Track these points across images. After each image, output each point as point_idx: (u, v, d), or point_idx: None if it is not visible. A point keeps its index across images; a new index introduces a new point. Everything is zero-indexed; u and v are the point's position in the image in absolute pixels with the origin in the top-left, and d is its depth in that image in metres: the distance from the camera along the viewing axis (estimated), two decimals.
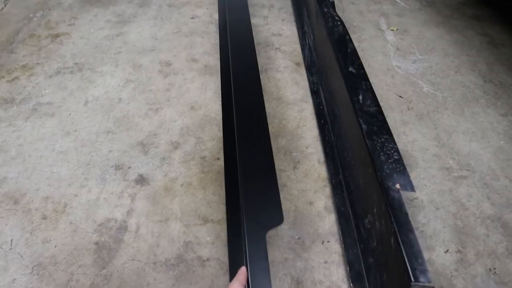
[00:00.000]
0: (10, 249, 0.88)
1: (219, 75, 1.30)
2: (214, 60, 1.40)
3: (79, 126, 1.16)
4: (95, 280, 0.82)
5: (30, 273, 0.84)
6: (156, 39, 1.52)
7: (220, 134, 1.11)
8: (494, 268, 0.84)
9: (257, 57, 1.15)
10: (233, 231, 0.83)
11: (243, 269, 0.65)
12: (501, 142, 1.11)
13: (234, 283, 0.61)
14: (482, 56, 1.43)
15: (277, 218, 0.73)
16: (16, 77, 1.34)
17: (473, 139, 1.11)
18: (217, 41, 1.46)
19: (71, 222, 0.92)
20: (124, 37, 1.53)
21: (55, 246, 0.88)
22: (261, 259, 0.67)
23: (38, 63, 1.41)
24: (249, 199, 0.76)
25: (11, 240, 0.90)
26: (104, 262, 0.85)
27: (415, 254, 0.60)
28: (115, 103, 1.23)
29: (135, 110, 1.21)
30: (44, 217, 0.94)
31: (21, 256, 0.87)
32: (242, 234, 0.72)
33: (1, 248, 0.88)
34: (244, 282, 0.63)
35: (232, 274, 0.77)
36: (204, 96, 1.25)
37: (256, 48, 1.19)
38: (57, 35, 1.54)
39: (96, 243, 0.88)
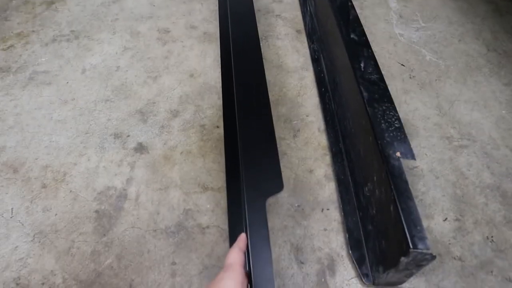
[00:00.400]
0: (11, 217, 0.88)
1: (218, 42, 1.28)
2: (213, 27, 1.37)
3: (77, 95, 1.14)
4: (96, 247, 0.83)
5: (32, 240, 0.85)
6: (154, 5, 1.49)
7: (220, 102, 1.10)
8: (492, 236, 0.85)
9: (257, 24, 1.12)
10: (233, 198, 0.84)
11: (242, 236, 0.66)
12: (503, 111, 1.10)
13: (234, 248, 0.61)
14: (487, 24, 1.40)
15: (277, 185, 0.73)
16: (12, 45, 1.32)
17: (475, 108, 1.11)
18: (216, 8, 1.43)
19: (71, 191, 0.93)
20: (121, 4, 1.50)
21: (56, 214, 0.89)
22: (261, 225, 0.67)
23: (33, 31, 1.38)
24: (249, 167, 0.75)
25: (12, 208, 0.90)
26: (104, 230, 0.86)
27: (414, 222, 0.61)
28: (113, 71, 1.22)
29: (133, 78, 1.19)
30: (44, 186, 0.94)
31: (22, 224, 0.87)
32: (242, 201, 0.72)
33: (2, 216, 0.89)
34: (244, 248, 0.63)
35: (232, 241, 0.77)
36: (204, 63, 1.23)
37: (256, 15, 1.16)
38: (52, 2, 1.51)
39: (96, 211, 0.89)
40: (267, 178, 0.74)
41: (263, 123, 0.83)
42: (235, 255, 0.59)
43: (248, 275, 0.62)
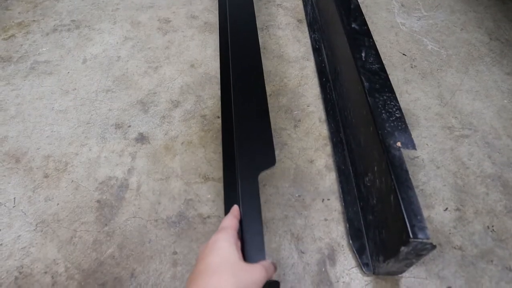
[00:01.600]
0: (14, 206, 0.89)
1: (219, 32, 1.28)
2: (214, 17, 1.37)
3: (78, 85, 1.14)
4: (98, 237, 0.84)
5: (34, 230, 0.85)
6: None
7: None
8: (492, 226, 0.85)
9: (258, 14, 1.12)
10: (229, 184, 0.85)
11: (235, 206, 0.66)
12: (505, 101, 1.09)
13: (228, 216, 0.62)
14: (490, 12, 1.39)
15: (269, 161, 0.74)
16: (13, 35, 1.32)
17: (476, 98, 1.10)
18: None
19: (72, 181, 0.93)
20: None
21: (58, 204, 0.89)
22: (253, 198, 0.68)
23: (34, 20, 1.38)
24: (242, 144, 0.76)
25: (14, 198, 0.90)
26: (106, 220, 0.86)
27: (414, 211, 0.61)
28: (114, 61, 1.21)
29: (134, 68, 1.19)
30: (46, 176, 0.94)
31: (25, 214, 0.88)
32: (236, 176, 0.73)
33: (5, 206, 0.89)
34: (238, 216, 0.64)
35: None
36: (204, 53, 1.23)
37: (256, 4, 1.16)
38: None
39: (98, 201, 0.89)
40: (260, 154, 0.75)
41: (257, 104, 0.83)
42: (229, 221, 0.61)
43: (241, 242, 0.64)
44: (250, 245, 0.63)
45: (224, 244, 0.54)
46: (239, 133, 0.79)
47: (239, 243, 0.60)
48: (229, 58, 0.96)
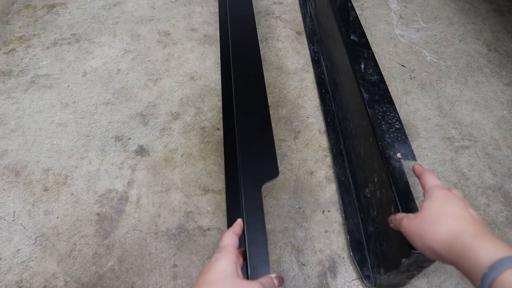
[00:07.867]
0: (13, 220, 0.89)
1: (219, 44, 1.28)
2: (214, 30, 1.38)
3: (78, 98, 1.15)
4: (98, 250, 0.83)
5: (34, 243, 0.85)
6: (154, 8, 1.49)
7: (220, 104, 1.10)
8: None
9: (258, 26, 1.12)
10: (232, 196, 0.84)
11: (239, 220, 0.66)
12: (505, 112, 1.10)
13: (228, 232, 0.62)
14: (488, 24, 1.40)
15: (272, 172, 0.73)
16: (13, 49, 1.33)
17: (476, 109, 1.10)
18: (217, 10, 1.44)
19: (72, 194, 0.93)
20: (121, 7, 1.50)
21: (57, 217, 0.89)
22: (256, 209, 0.68)
23: (34, 34, 1.38)
24: (245, 155, 0.76)
25: (14, 211, 0.90)
26: (106, 233, 0.86)
27: None
28: (114, 74, 1.22)
29: (134, 81, 1.19)
30: (46, 189, 0.94)
31: (24, 227, 0.87)
32: (239, 187, 0.73)
33: (4, 219, 0.89)
34: (239, 232, 0.64)
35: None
36: (204, 66, 1.23)
37: (256, 17, 1.16)
38: (53, 5, 1.51)
39: (98, 214, 0.89)
40: (263, 166, 0.74)
41: (259, 116, 0.83)
42: (229, 238, 0.60)
43: (244, 255, 0.63)
44: (254, 257, 0.62)
45: (224, 262, 0.54)
46: (242, 144, 0.79)
47: (240, 260, 0.60)
48: (231, 70, 0.97)
